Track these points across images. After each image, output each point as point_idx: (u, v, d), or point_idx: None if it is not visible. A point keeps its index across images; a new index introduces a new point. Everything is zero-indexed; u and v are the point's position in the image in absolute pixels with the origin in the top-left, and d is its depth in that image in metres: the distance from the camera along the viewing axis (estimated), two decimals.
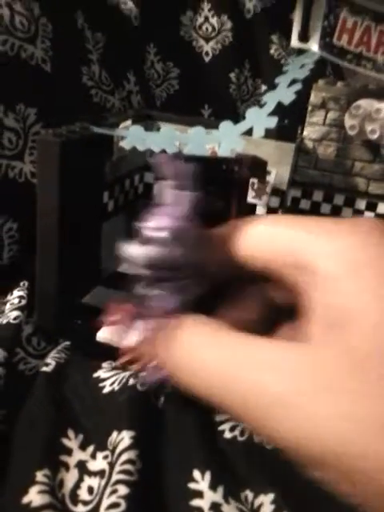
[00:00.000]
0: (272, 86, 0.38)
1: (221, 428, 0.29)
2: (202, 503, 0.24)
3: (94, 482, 0.25)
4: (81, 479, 0.25)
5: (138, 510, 0.23)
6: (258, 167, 0.39)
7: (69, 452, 0.27)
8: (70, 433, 0.28)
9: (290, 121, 0.44)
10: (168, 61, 0.62)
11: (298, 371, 0.13)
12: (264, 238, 0.17)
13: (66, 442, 0.27)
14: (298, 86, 0.37)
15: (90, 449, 0.27)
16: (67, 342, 0.35)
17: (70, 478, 0.25)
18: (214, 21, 0.62)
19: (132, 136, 0.34)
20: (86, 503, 0.24)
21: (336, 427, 0.12)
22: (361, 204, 0.45)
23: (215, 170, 0.39)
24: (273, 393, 0.13)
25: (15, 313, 0.34)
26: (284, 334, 0.18)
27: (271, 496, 0.25)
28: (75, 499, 0.24)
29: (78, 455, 0.27)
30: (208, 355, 0.15)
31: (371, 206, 0.45)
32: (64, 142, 0.32)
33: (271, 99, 0.36)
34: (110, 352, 0.30)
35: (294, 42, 0.44)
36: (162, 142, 0.34)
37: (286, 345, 0.14)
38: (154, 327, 0.17)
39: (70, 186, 0.33)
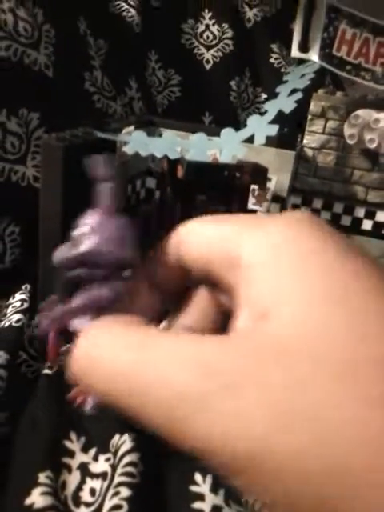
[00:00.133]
0: (272, 95, 0.39)
1: None
2: (204, 506, 0.24)
3: (96, 484, 0.25)
4: (83, 481, 0.26)
5: None
6: (259, 174, 0.40)
7: (71, 454, 0.27)
8: (73, 435, 0.28)
9: (290, 129, 0.44)
10: (169, 68, 0.62)
11: (208, 365, 0.12)
12: (201, 240, 0.16)
13: (68, 444, 0.27)
14: (298, 95, 0.37)
15: (92, 451, 0.27)
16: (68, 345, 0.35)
17: (73, 480, 0.25)
18: (214, 29, 0.62)
19: (135, 141, 0.35)
20: (88, 505, 0.24)
21: (241, 425, 0.11)
22: (360, 212, 0.46)
23: (216, 176, 0.40)
24: (178, 389, 0.12)
25: (17, 316, 0.34)
26: None
27: None
28: (77, 501, 0.25)
29: (81, 457, 0.27)
30: (116, 355, 0.14)
31: (370, 214, 0.46)
32: (67, 146, 0.33)
33: (272, 107, 0.37)
34: None
35: (295, 52, 0.45)
36: (164, 148, 0.35)
37: (203, 338, 0.13)
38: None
39: (72, 190, 0.33)
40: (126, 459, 0.26)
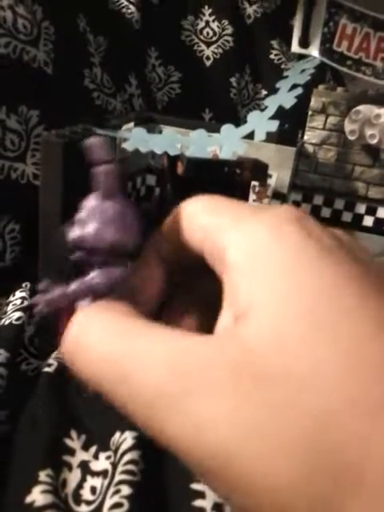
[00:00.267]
0: (272, 91, 0.39)
1: None
2: (205, 503, 0.24)
3: (96, 482, 0.25)
4: (84, 479, 0.25)
5: (141, 510, 0.23)
6: (259, 170, 0.40)
7: (72, 452, 0.27)
8: (73, 433, 0.28)
9: (290, 125, 0.44)
10: (169, 64, 0.62)
11: (183, 366, 0.12)
12: (196, 227, 0.16)
13: (68, 442, 0.27)
14: (298, 91, 0.37)
15: (93, 449, 0.27)
16: None
17: (73, 478, 0.25)
18: (214, 25, 0.62)
19: (135, 138, 0.35)
20: (88, 503, 0.24)
21: (215, 430, 0.11)
22: (361, 208, 0.46)
23: (217, 173, 0.40)
24: (154, 385, 0.12)
25: (17, 314, 0.34)
26: None
27: None
28: (78, 499, 0.24)
29: (81, 455, 0.27)
30: (102, 344, 0.14)
31: (371, 210, 0.46)
32: (67, 143, 0.32)
33: (272, 103, 0.37)
34: None
35: (295, 47, 0.45)
36: (164, 145, 0.35)
37: (184, 336, 0.13)
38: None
39: (72, 188, 0.33)
40: (127, 457, 0.25)
